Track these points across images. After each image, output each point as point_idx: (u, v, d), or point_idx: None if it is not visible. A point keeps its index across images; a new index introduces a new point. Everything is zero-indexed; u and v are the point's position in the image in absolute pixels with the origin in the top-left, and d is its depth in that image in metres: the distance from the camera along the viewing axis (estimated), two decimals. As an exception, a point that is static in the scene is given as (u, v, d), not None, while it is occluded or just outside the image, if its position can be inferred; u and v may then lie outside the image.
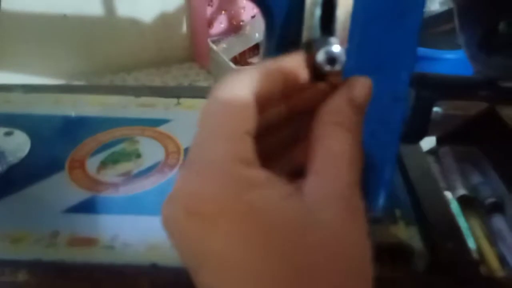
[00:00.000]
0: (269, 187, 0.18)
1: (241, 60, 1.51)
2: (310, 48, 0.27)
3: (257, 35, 1.52)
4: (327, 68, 0.25)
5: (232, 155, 0.19)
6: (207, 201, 0.18)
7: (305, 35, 0.27)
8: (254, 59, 1.51)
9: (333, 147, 0.21)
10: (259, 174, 0.19)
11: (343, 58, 0.25)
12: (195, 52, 1.67)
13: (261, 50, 0.36)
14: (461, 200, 0.54)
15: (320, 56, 0.25)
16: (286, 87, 0.23)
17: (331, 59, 0.25)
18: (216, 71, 1.54)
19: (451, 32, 1.17)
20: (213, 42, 1.54)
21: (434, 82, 0.39)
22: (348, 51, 0.27)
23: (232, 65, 1.41)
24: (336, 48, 0.25)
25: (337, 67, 0.25)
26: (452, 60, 1.12)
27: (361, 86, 0.24)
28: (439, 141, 0.62)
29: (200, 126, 0.20)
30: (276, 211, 0.18)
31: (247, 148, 0.19)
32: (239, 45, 1.52)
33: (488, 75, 0.38)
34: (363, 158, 0.21)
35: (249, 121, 0.20)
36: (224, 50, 1.50)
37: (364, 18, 0.28)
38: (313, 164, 0.20)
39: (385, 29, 0.29)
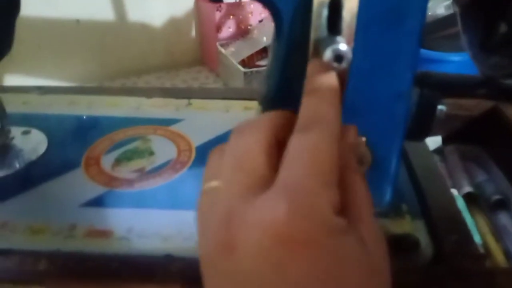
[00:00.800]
0: (349, 234, 0.20)
1: (249, 63, 1.53)
2: (318, 47, 0.28)
3: (264, 38, 1.54)
4: (334, 65, 0.26)
5: (327, 198, 0.19)
6: (299, 231, 0.18)
7: (313, 35, 0.29)
8: (262, 62, 1.53)
9: (360, 191, 0.23)
10: (340, 220, 0.20)
11: (349, 55, 0.27)
12: (204, 56, 1.69)
13: (270, 52, 0.37)
14: (467, 197, 0.55)
15: (328, 54, 0.26)
16: None
17: (338, 56, 0.26)
18: (225, 74, 1.56)
19: (457, 35, 1.18)
20: (222, 46, 1.56)
21: (436, 80, 0.40)
22: (354, 50, 0.29)
23: (240, 68, 1.43)
24: (343, 46, 0.27)
25: (344, 64, 0.26)
26: (458, 62, 1.13)
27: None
28: (444, 141, 0.63)
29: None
30: (351, 258, 0.19)
31: (336, 194, 0.20)
32: (247, 49, 1.54)
33: (489, 75, 0.40)
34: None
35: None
36: (233, 53, 1.52)
37: (367, 20, 0.29)
38: (357, 213, 0.22)
39: (387, 30, 0.30)
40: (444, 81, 0.40)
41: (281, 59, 0.33)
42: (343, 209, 0.21)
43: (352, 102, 0.29)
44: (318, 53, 0.28)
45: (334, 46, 0.26)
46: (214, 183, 0.22)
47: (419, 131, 0.41)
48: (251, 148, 0.22)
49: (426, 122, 0.40)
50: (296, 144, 0.21)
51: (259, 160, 0.21)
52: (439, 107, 0.41)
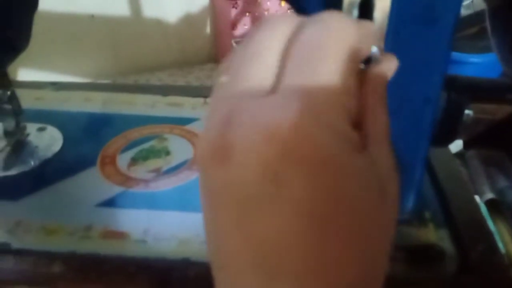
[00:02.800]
0: (359, 152, 0.18)
1: (264, 61, 1.51)
2: None
3: (280, 36, 1.52)
4: (363, 67, 0.25)
5: (343, 108, 0.17)
6: (306, 148, 0.16)
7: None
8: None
9: (385, 117, 0.20)
10: (354, 135, 0.18)
11: (379, 57, 0.25)
12: (218, 53, 1.68)
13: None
14: (489, 204, 0.54)
15: None
16: None
17: (367, 58, 0.25)
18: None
19: (476, 36, 1.17)
20: (237, 43, 1.56)
21: (465, 84, 0.39)
22: (386, 51, 0.28)
23: (255, 66, 1.42)
24: (372, 48, 0.25)
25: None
26: (477, 64, 1.11)
27: (394, 65, 0.24)
28: (466, 145, 0.61)
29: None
30: (363, 180, 0.17)
31: (354, 104, 0.18)
32: (262, 47, 1.52)
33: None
34: None
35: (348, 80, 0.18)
36: (248, 51, 1.51)
37: (399, 21, 0.28)
38: (373, 133, 0.20)
39: (418, 33, 0.29)
40: (472, 85, 0.38)
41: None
42: (360, 126, 0.19)
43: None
44: None
45: None
46: (224, 78, 0.19)
47: (445, 137, 0.40)
48: (269, 41, 0.19)
49: (453, 127, 0.39)
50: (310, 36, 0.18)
51: (274, 56, 0.18)
52: (466, 111, 0.40)
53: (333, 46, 0.18)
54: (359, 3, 0.27)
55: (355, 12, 0.27)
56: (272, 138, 0.16)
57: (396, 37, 0.29)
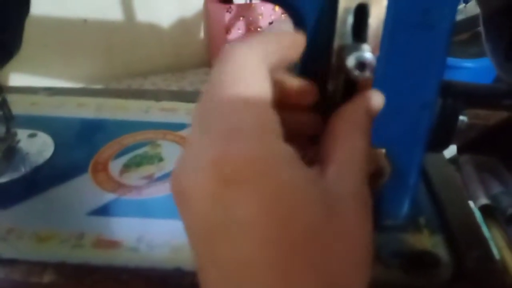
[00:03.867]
0: (298, 167, 0.18)
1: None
2: (342, 54, 0.27)
3: (274, 41, 1.52)
4: (357, 73, 0.25)
5: (262, 125, 0.18)
6: (243, 168, 0.17)
7: (337, 42, 0.28)
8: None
9: (357, 143, 0.22)
10: (289, 149, 0.18)
11: (373, 64, 0.25)
12: (212, 58, 1.68)
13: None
14: (483, 209, 0.54)
15: (351, 61, 0.25)
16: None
17: (361, 64, 0.25)
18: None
19: (469, 41, 1.17)
20: (230, 47, 1.55)
21: (460, 90, 0.38)
22: (379, 58, 0.28)
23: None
24: (367, 54, 0.25)
25: (367, 73, 0.25)
26: (470, 69, 1.12)
27: (378, 99, 0.25)
28: (459, 150, 0.61)
29: (214, 94, 0.19)
30: (304, 193, 0.18)
31: (275, 119, 0.19)
32: (255, 51, 1.52)
33: (513, 84, 0.38)
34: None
35: (269, 93, 0.20)
36: (242, 56, 1.51)
37: (395, 27, 0.28)
38: (335, 155, 0.21)
39: (414, 38, 0.29)
40: (467, 91, 0.38)
41: (301, 65, 0.32)
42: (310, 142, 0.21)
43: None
44: (341, 60, 0.27)
45: (357, 54, 0.25)
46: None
47: (439, 142, 0.39)
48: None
49: (448, 133, 0.39)
50: None
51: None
52: (461, 117, 0.40)
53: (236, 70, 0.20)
54: (354, 10, 0.27)
55: (350, 19, 0.27)
56: (210, 170, 0.17)
57: (392, 43, 0.28)
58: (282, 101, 0.22)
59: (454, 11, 0.30)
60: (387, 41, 0.28)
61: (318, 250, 0.17)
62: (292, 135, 0.20)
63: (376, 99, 0.26)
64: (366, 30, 0.27)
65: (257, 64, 0.20)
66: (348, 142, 0.22)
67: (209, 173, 0.17)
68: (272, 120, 0.19)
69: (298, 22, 0.31)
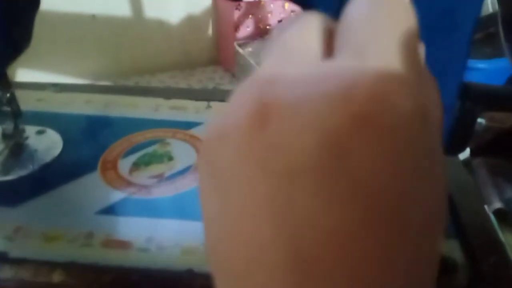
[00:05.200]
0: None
1: (268, 64, 1.51)
2: None
3: (283, 39, 1.52)
4: None
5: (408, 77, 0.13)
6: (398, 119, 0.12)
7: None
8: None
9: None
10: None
11: None
12: (221, 55, 1.68)
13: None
14: (497, 213, 0.53)
15: None
16: None
17: None
18: (241, 74, 1.55)
19: (482, 41, 1.16)
20: (239, 45, 1.55)
21: (479, 92, 0.38)
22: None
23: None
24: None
25: None
26: (484, 70, 1.11)
27: None
28: (473, 152, 0.60)
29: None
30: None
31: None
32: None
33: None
34: None
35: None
36: (251, 53, 1.50)
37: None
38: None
39: (436, 40, 0.28)
40: (487, 93, 0.37)
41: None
42: None
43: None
44: None
45: None
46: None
47: (456, 145, 0.39)
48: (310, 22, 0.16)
49: (465, 135, 0.38)
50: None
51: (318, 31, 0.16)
52: (478, 120, 0.39)
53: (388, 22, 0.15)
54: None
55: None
56: (343, 102, 0.12)
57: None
58: None
59: (478, 11, 0.29)
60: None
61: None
62: None
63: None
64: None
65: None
66: None
67: (341, 108, 0.12)
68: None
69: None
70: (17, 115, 0.48)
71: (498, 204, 0.53)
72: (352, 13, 0.15)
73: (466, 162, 0.60)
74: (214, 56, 1.69)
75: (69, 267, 0.34)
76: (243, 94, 0.14)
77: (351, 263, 0.12)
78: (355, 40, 0.14)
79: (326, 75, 0.13)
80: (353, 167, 0.12)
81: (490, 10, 1.12)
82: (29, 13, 0.44)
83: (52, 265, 0.34)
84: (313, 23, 0.16)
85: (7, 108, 0.47)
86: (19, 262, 0.35)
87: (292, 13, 1.62)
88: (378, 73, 0.13)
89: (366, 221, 0.12)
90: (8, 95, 0.46)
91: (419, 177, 0.13)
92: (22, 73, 1.28)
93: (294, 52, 0.15)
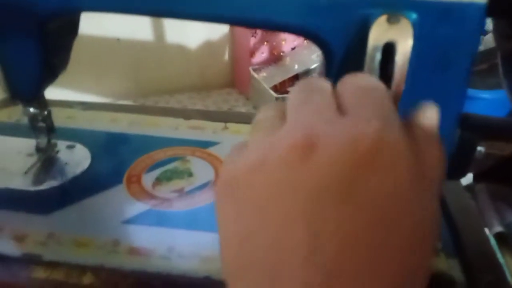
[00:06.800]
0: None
1: (281, 88, 1.56)
2: None
3: (296, 66, 1.57)
4: None
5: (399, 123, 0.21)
6: (395, 157, 0.19)
7: (365, 76, 0.30)
8: (294, 89, 1.56)
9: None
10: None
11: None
12: (236, 79, 1.73)
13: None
14: (497, 237, 0.55)
15: None
16: None
17: None
18: (255, 97, 1.59)
19: (486, 72, 1.19)
20: (254, 70, 1.60)
21: (477, 123, 0.41)
22: (404, 92, 0.30)
23: (272, 93, 1.46)
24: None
25: None
26: (487, 100, 1.13)
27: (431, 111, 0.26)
28: (475, 178, 0.63)
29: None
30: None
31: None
32: (278, 75, 1.57)
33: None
34: None
35: None
36: (265, 78, 1.55)
37: (417, 65, 0.31)
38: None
39: (435, 75, 0.32)
40: (485, 124, 0.40)
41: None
42: None
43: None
44: None
45: None
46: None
47: (457, 171, 0.41)
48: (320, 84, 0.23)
49: (465, 162, 0.41)
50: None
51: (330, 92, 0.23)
52: (478, 148, 0.42)
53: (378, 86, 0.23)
54: (382, 48, 0.29)
55: (378, 56, 0.29)
56: (357, 145, 0.18)
57: (415, 80, 0.31)
58: None
59: (472, 52, 0.32)
60: (410, 78, 0.30)
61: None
62: None
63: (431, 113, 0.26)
64: (393, 66, 0.29)
65: None
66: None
67: (356, 149, 0.18)
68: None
69: (327, 55, 0.33)
70: (51, 131, 0.52)
71: (499, 228, 0.56)
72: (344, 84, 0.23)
73: (469, 187, 0.63)
74: (229, 80, 1.74)
75: (98, 270, 0.38)
76: (279, 133, 0.20)
77: (365, 262, 0.17)
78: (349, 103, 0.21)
79: (346, 128, 0.19)
80: (365, 190, 0.18)
81: (494, 44, 1.15)
82: (68, 40, 0.48)
83: (82, 268, 0.38)
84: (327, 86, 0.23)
85: (42, 124, 0.51)
86: (52, 265, 0.38)
87: (304, 41, 1.67)
88: (382, 127, 0.19)
89: (371, 226, 0.18)
90: (45, 113, 0.50)
91: (414, 199, 0.19)
92: (48, 92, 1.33)
93: (320, 107, 0.21)
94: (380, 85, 0.23)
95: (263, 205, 0.19)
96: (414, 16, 0.29)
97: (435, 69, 0.31)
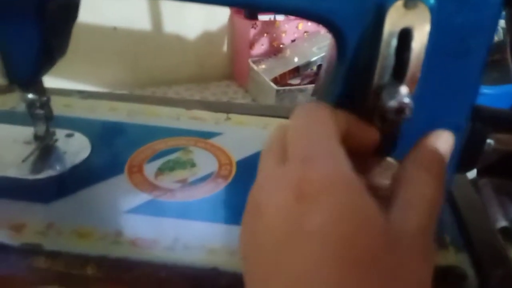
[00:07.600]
0: (367, 195, 0.20)
1: (281, 81, 1.55)
2: (380, 93, 0.29)
3: (296, 59, 1.56)
4: (393, 116, 0.27)
5: (335, 155, 0.21)
6: (318, 187, 0.20)
7: (380, 64, 0.29)
8: (294, 81, 1.56)
9: (424, 187, 0.23)
10: (360, 179, 0.21)
11: (410, 111, 0.27)
12: (235, 71, 1.71)
13: (324, 69, 0.38)
14: (502, 231, 0.55)
15: (392, 104, 0.27)
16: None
17: (401, 109, 0.27)
18: (254, 90, 1.58)
19: (490, 67, 1.18)
20: (254, 62, 1.58)
21: (488, 115, 0.40)
22: (419, 80, 0.29)
23: (273, 85, 1.45)
24: (407, 99, 0.27)
25: (402, 117, 0.27)
26: (489, 95, 1.13)
27: (447, 139, 0.26)
28: (479, 172, 0.62)
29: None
30: (370, 219, 0.19)
31: (343, 151, 0.22)
32: (278, 67, 1.56)
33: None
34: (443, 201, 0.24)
35: (338, 133, 0.24)
36: (264, 70, 1.54)
37: (434, 53, 0.30)
38: (399, 200, 0.23)
39: (451, 64, 0.31)
40: (496, 116, 0.40)
41: (341, 82, 0.33)
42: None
43: (408, 135, 0.29)
44: (378, 99, 0.28)
45: (399, 99, 0.27)
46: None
47: (466, 164, 0.41)
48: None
49: (475, 155, 0.40)
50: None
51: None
52: (488, 141, 0.41)
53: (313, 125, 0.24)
54: (399, 34, 0.28)
55: (394, 42, 0.28)
56: (291, 188, 0.20)
57: (430, 68, 0.30)
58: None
59: (490, 40, 0.31)
60: (426, 66, 0.30)
61: (376, 276, 0.18)
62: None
63: (445, 140, 0.27)
64: (409, 53, 0.29)
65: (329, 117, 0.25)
66: (414, 185, 0.23)
67: (289, 191, 0.20)
68: (342, 152, 0.22)
69: (340, 41, 0.32)
70: (49, 119, 0.51)
71: (503, 223, 0.55)
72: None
73: (472, 182, 0.63)
74: (228, 71, 1.72)
75: (101, 261, 0.37)
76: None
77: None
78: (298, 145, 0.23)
79: (282, 177, 0.22)
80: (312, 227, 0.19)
81: (495, 38, 1.15)
82: (67, 25, 0.47)
83: (85, 259, 0.37)
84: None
85: (40, 112, 0.50)
86: (53, 255, 0.37)
87: (305, 34, 1.66)
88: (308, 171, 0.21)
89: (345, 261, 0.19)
90: (44, 99, 0.49)
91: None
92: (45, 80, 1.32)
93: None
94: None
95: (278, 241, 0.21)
96: (432, 1, 0.28)
97: (453, 57, 0.30)
